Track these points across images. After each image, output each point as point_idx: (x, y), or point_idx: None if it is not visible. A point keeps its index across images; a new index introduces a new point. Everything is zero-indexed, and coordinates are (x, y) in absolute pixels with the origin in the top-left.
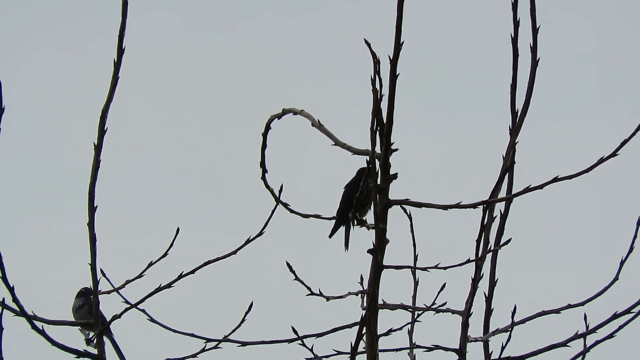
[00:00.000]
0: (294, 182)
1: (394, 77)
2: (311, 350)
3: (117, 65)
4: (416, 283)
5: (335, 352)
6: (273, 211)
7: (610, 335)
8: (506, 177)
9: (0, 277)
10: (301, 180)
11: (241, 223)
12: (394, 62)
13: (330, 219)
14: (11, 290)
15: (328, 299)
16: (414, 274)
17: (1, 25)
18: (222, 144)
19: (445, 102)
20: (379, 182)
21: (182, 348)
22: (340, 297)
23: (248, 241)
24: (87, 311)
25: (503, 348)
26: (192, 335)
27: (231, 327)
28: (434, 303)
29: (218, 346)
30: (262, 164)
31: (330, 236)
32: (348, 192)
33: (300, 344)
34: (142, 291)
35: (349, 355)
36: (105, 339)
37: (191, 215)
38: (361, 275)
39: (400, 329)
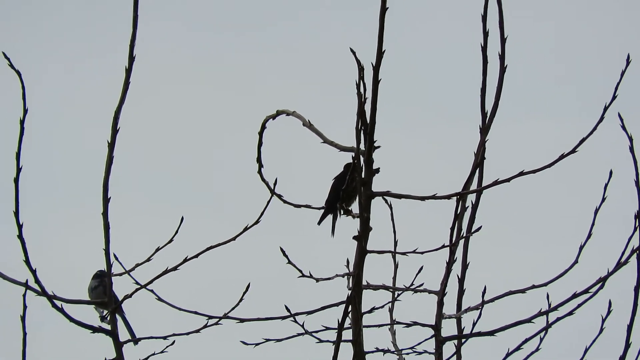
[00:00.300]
0: (287, 176)
1: (376, 82)
2: (302, 326)
3: (128, 71)
4: (396, 266)
5: (324, 328)
6: (268, 202)
7: (570, 313)
8: (477, 171)
9: (24, 261)
10: (293, 174)
11: (239, 212)
12: (376, 68)
13: (319, 208)
14: (33, 272)
15: (317, 280)
16: (394, 258)
17: (25, 31)
18: (222, 142)
19: (423, 104)
20: (363, 176)
21: (187, 324)
22: (329, 278)
23: (246, 229)
24: (102, 291)
25: (474, 324)
26: (196, 312)
27: (230, 305)
28: (412, 284)
29: (219, 323)
30: (259, 160)
31: (319, 223)
32: (336, 185)
33: (292, 320)
34: (150, 273)
35: (336, 330)
36: (117, 316)
37: (195, 206)
38: (347, 259)
39: (382, 307)
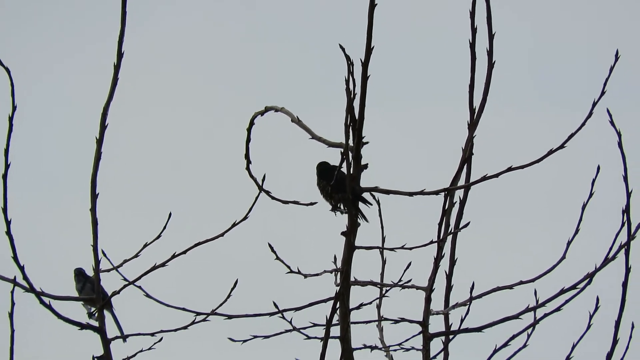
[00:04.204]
0: (276, 172)
1: (365, 78)
2: (290, 322)
3: (117, 68)
4: (384, 262)
5: (312, 324)
6: (256, 198)
7: (558, 309)
8: (465, 167)
9: (12, 257)
10: (282, 171)
11: (228, 209)
12: (365, 65)
13: (308, 204)
14: (21, 268)
15: (305, 276)
16: (382, 254)
17: (14, 29)
18: (210, 138)
19: (412, 100)
20: (351, 172)
21: (175, 321)
22: (317, 274)
23: (234, 225)
24: (90, 288)
25: (462, 320)
26: (184, 309)
27: (218, 301)
28: (400, 280)
29: (207, 319)
30: (247, 156)
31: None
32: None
33: (280, 317)
34: (138, 269)
35: (324, 327)
36: (105, 312)
37: (183, 202)
38: (335, 256)
39: (370, 303)
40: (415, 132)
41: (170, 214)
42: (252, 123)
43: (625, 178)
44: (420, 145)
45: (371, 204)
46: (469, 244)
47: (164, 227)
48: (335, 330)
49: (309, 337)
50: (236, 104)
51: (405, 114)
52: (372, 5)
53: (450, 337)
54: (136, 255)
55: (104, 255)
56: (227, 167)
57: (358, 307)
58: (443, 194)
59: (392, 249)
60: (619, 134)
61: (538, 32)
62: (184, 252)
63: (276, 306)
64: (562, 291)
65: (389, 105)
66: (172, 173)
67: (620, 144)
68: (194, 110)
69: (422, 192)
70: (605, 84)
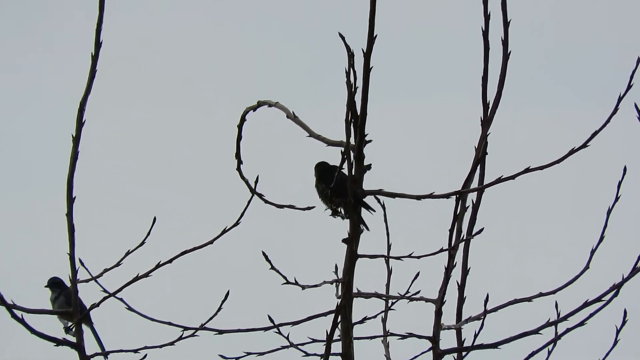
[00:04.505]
0: (269, 173)
1: (367, 69)
2: (287, 338)
3: (95, 58)
4: (390, 272)
5: (311, 340)
6: (249, 202)
7: (582, 323)
8: (478, 167)
9: None
10: (276, 172)
11: (218, 213)
12: (367, 55)
13: (304, 209)
14: None
15: (303, 287)
16: (387, 262)
17: None
18: (198, 136)
19: (419, 94)
20: (353, 173)
21: (160, 336)
22: (316, 285)
23: (224, 231)
24: (64, 301)
25: (476, 336)
26: (170, 323)
27: (208, 315)
28: (407, 291)
29: (195, 334)
30: (238, 156)
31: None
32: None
33: (276, 332)
34: (120, 280)
35: (325, 342)
36: (84, 327)
37: (169, 205)
38: (336, 265)
39: (375, 317)
40: (423, 130)
41: (154, 219)
42: (243, 119)
43: None
44: (429, 144)
45: (374, 211)
46: (483, 252)
47: (148, 233)
48: (337, 347)
49: (307, 354)
50: (227, 98)
51: (411, 110)
52: None
53: (463, 353)
54: (117, 264)
55: (82, 264)
56: (216, 168)
57: (361, 321)
58: (454, 197)
59: (398, 258)
60: None
61: (557, 20)
62: (170, 261)
63: (271, 320)
64: (586, 304)
65: (394, 100)
66: (157, 174)
67: None
68: (181, 106)
69: (431, 196)
70: (631, 77)
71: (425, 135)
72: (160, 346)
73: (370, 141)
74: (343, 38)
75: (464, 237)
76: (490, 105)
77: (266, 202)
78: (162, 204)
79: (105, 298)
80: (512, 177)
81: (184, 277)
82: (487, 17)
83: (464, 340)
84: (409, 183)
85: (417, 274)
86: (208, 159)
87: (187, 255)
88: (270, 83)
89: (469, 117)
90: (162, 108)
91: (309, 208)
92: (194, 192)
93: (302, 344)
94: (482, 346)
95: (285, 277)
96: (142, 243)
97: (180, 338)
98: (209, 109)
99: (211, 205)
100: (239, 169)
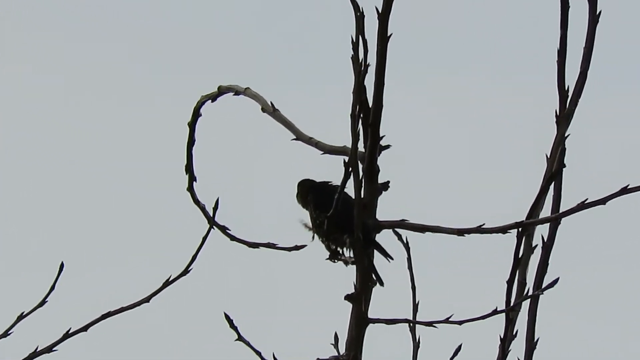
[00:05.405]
0: (237, 194)
1: (384, 38)
2: None
3: None
4: (417, 343)
5: None
6: (205, 238)
7: None
8: (553, 186)
9: None
10: (247, 192)
11: (160, 255)
12: (384, 16)
13: (289, 249)
14: None
15: None
16: (413, 330)
17: None
18: (129, 140)
19: (457, 75)
20: (362, 195)
21: None
22: None
23: (167, 283)
24: None
25: None
26: None
27: None
28: None
29: None
30: (189, 169)
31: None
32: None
33: None
34: (8, 356)
35: None
36: None
37: (86, 244)
38: (335, 334)
39: None
40: (467, 129)
41: (62, 266)
42: (197, 115)
43: None
44: (475, 151)
45: (392, 259)
46: (558, 314)
47: (52, 288)
48: None
49: None
50: (172, 83)
51: (449, 98)
52: None
53: None
54: (5, 334)
55: None
56: (158, 188)
57: None
58: (515, 231)
59: (429, 324)
60: None
61: None
62: (84, 329)
63: None
64: None
65: (423, 83)
66: (68, 197)
67: None
68: (102, 95)
69: (479, 230)
70: None
71: (470, 136)
72: None
73: (387, 147)
74: None
75: (530, 293)
76: (571, 93)
77: (232, 238)
78: (77, 242)
79: None
80: (603, 202)
81: (106, 351)
82: None
83: None
84: (444, 211)
85: (459, 348)
86: (145, 175)
87: (112, 320)
88: (238, 60)
89: (533, 109)
90: (74, 102)
91: (296, 248)
92: (124, 224)
93: None
94: None
95: (259, 353)
96: (43, 302)
97: None
98: (144, 99)
99: (150, 244)
100: (190, 188)
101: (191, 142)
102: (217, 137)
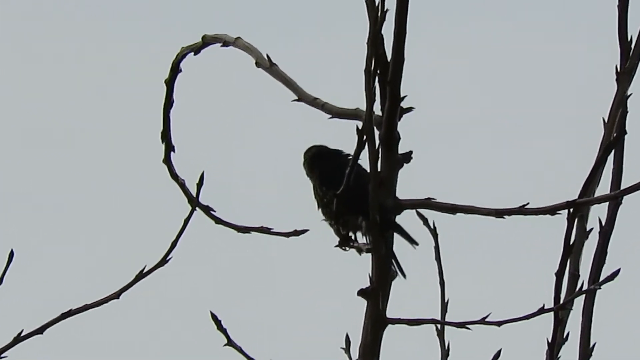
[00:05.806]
0: (225, 168)
1: None
2: None
3: None
4: (446, 349)
5: None
6: (186, 221)
7: None
8: (614, 158)
9: None
10: (237, 165)
11: (133, 241)
12: None
13: (288, 234)
14: None
15: None
16: (442, 332)
17: None
18: (94, 102)
19: (497, 22)
20: (379, 168)
21: None
22: None
23: (141, 275)
24: None
25: None
26: None
27: None
28: None
29: None
30: (166, 136)
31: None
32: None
33: None
34: None
35: None
36: None
37: (41, 231)
38: (347, 335)
39: None
40: (503, 88)
41: (11, 254)
42: (176, 70)
43: None
44: (513, 116)
45: (418, 244)
46: (618, 312)
47: (1, 278)
48: None
49: None
50: (151, 35)
51: (479, 51)
52: None
53: None
54: None
55: None
56: (130, 159)
57: None
58: (565, 212)
59: (462, 325)
60: None
61: None
62: (40, 331)
63: None
64: None
65: (449, 33)
66: (19, 164)
67: None
68: (67, 48)
69: (521, 210)
70: None
71: (507, 99)
72: None
73: (409, 109)
74: None
75: (585, 287)
76: (634, 44)
77: (219, 221)
78: (29, 225)
79: None
80: None
81: (69, 355)
82: None
83: None
84: (478, 188)
85: (498, 354)
86: (113, 143)
87: (74, 320)
88: (226, 4)
89: (588, 64)
90: (22, 46)
91: (296, 233)
92: (88, 204)
93: None
94: None
95: (250, 358)
96: None
97: None
98: (111, 51)
99: (120, 228)
100: (167, 159)
101: (169, 103)
102: (201, 98)
